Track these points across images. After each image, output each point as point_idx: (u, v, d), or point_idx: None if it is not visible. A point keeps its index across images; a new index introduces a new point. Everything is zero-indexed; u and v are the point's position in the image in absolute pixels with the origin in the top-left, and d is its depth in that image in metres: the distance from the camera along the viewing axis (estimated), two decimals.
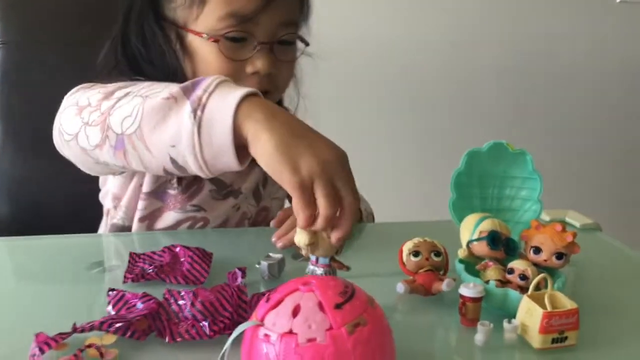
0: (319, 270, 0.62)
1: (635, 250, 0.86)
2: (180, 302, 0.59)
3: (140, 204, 0.88)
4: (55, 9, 1.11)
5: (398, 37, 1.98)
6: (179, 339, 0.55)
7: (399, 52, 1.99)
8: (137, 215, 0.89)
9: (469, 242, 0.69)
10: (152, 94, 0.65)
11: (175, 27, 0.83)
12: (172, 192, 0.88)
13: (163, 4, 0.84)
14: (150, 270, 0.69)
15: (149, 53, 0.84)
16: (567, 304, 0.59)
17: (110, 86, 0.71)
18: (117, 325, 0.54)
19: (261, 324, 0.47)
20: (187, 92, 0.63)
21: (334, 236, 0.59)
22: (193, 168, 0.63)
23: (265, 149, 0.59)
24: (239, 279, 0.66)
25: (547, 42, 2.09)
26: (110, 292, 0.62)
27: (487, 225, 0.68)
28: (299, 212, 0.58)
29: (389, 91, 2.01)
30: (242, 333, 0.48)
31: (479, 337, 0.59)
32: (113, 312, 0.60)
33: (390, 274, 0.70)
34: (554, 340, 0.58)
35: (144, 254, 0.75)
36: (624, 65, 2.15)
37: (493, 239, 0.67)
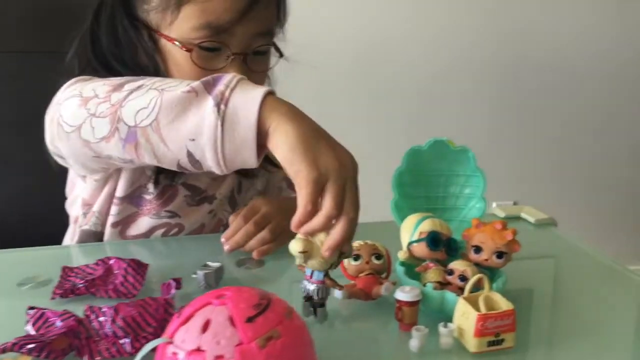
0: (312, 287, 0.60)
1: (590, 246, 0.85)
2: (101, 318, 0.56)
3: (114, 209, 0.86)
4: (15, 17, 1.09)
5: (385, 36, 1.97)
6: (98, 358, 0.53)
7: (384, 52, 1.98)
8: (110, 220, 0.87)
9: (409, 244, 0.67)
10: (168, 87, 0.63)
11: (148, 29, 0.80)
12: (147, 197, 0.86)
13: (136, 5, 0.81)
14: (81, 285, 0.66)
15: (121, 52, 0.81)
16: (504, 305, 0.57)
17: (116, 79, 0.68)
18: (30, 346, 0.52)
19: (170, 341, 0.45)
20: (208, 87, 0.61)
21: (326, 245, 0.57)
22: (210, 162, 0.61)
23: (287, 139, 0.57)
24: (173, 291, 0.64)
25: (512, 36, 2.08)
26: (30, 311, 0.59)
27: (427, 226, 0.66)
28: (303, 206, 0.56)
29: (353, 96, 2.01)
30: (154, 350, 0.46)
31: (414, 342, 0.57)
32: (33, 331, 0.57)
33: (336, 278, 0.67)
34: (490, 343, 0.56)
35: (77, 268, 0.72)
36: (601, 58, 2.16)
37: (433, 239, 0.65)
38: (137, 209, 0.87)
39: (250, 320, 0.44)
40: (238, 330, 0.44)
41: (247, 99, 0.59)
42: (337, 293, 0.63)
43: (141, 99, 0.63)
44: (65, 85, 0.73)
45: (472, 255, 0.65)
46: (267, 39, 0.83)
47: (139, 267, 0.70)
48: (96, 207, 0.87)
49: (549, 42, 2.11)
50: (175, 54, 0.79)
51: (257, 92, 0.60)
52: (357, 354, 0.58)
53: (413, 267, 0.66)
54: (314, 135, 0.58)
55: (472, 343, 0.56)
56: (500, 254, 0.64)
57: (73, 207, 0.92)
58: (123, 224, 0.87)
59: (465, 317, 0.57)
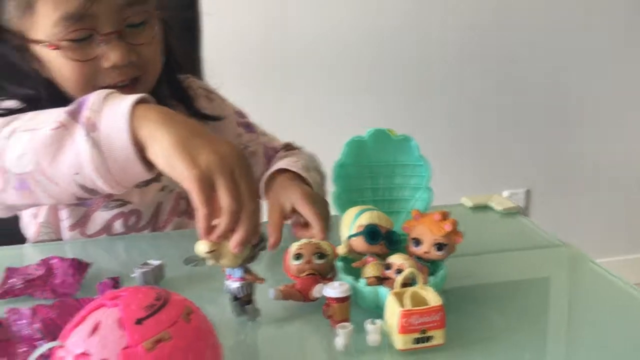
0: (234, 285, 0.58)
1: (565, 237, 0.81)
2: (20, 321, 0.56)
3: (64, 214, 0.85)
4: None
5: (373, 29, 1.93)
6: None
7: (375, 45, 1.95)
8: (65, 225, 0.86)
9: (348, 238, 0.64)
10: (38, 125, 0.62)
11: (18, 38, 0.77)
12: None
13: (1, 19, 0.78)
14: (20, 285, 0.66)
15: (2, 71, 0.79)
16: (432, 300, 0.55)
17: None
18: None
19: (61, 344, 0.44)
20: (74, 116, 0.60)
21: (233, 241, 0.55)
22: (104, 187, 0.61)
23: (162, 147, 0.57)
24: (108, 290, 0.63)
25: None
26: None
27: (364, 219, 0.64)
28: (198, 209, 0.55)
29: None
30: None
31: (339, 340, 0.55)
32: None
33: (280, 279, 0.65)
34: (416, 341, 0.54)
35: (20, 268, 0.71)
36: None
37: (370, 232, 0.63)
38: (86, 207, 0.85)
39: (139, 322, 0.43)
40: (126, 333, 0.42)
41: (115, 117, 0.58)
42: (270, 293, 0.61)
43: (18, 145, 0.62)
44: None
45: (412, 248, 0.63)
46: (135, 7, 0.77)
47: (78, 267, 0.69)
48: (42, 217, 0.85)
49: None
50: (50, 58, 0.76)
51: (123, 106, 0.59)
52: (282, 352, 0.56)
53: (353, 262, 0.64)
54: (188, 134, 0.57)
55: (398, 340, 0.54)
56: (440, 246, 0.61)
57: (29, 227, 0.89)
58: (79, 225, 0.86)
59: (392, 313, 0.55)
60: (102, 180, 0.60)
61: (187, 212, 0.92)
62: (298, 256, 0.63)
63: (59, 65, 0.76)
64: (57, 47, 0.74)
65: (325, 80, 1.92)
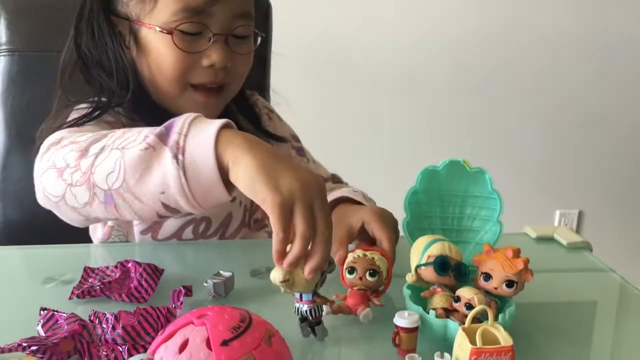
0: (304, 307, 0.60)
1: (621, 273, 0.80)
2: (104, 325, 0.58)
3: None
4: (61, 15, 1.13)
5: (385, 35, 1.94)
6: None
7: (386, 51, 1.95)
8: (136, 229, 0.89)
9: (417, 267, 0.65)
10: (128, 144, 0.65)
11: (129, 22, 0.83)
12: None
13: (115, 0, 0.84)
14: (97, 287, 0.69)
15: (98, 52, 0.84)
16: (503, 340, 0.55)
17: (82, 140, 0.70)
18: (34, 347, 0.54)
19: (150, 357, 0.46)
20: (163, 138, 0.63)
21: (307, 269, 0.57)
22: (186, 208, 0.64)
23: (246, 171, 0.59)
24: (181, 298, 0.66)
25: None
26: (42, 312, 0.62)
27: (435, 249, 0.64)
28: (276, 234, 0.56)
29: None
30: None
31: None
32: (42, 332, 0.60)
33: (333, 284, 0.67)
34: None
35: (98, 269, 0.75)
36: None
37: (441, 263, 0.63)
38: None
39: (225, 343, 0.45)
40: (212, 353, 0.44)
41: (201, 142, 0.60)
42: (324, 310, 0.63)
43: (107, 162, 0.65)
44: (39, 154, 0.74)
45: (482, 282, 0.63)
46: (246, 21, 0.84)
47: (154, 272, 0.72)
48: (111, 221, 0.88)
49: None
50: (157, 44, 0.81)
51: (210, 131, 0.61)
52: None
53: (421, 290, 0.65)
54: (272, 161, 0.58)
55: None
56: (510, 283, 0.61)
57: (95, 231, 0.93)
58: (151, 230, 0.89)
59: (461, 348, 0.55)
60: (184, 200, 0.62)
61: (249, 224, 0.95)
62: (352, 270, 0.66)
63: (164, 52, 0.81)
64: (170, 32, 0.80)
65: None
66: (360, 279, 0.65)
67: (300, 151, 1.03)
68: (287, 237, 0.56)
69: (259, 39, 0.88)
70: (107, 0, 0.84)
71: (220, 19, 0.81)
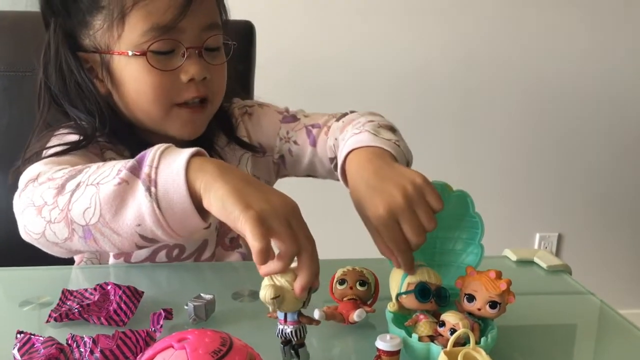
0: (289, 329, 0.59)
1: (606, 296, 0.80)
2: (82, 348, 0.57)
3: None
4: (42, 36, 1.12)
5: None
6: None
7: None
8: (110, 253, 0.87)
9: (398, 295, 0.65)
10: (102, 179, 0.65)
11: (99, 53, 0.83)
12: None
13: (79, 35, 0.83)
14: (76, 310, 0.68)
15: (69, 93, 0.84)
16: None
17: (58, 177, 0.69)
18: None
19: None
20: (135, 172, 0.63)
21: (297, 286, 0.56)
22: (164, 238, 0.64)
23: (217, 195, 0.58)
24: (161, 322, 0.65)
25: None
26: (19, 335, 0.60)
27: (415, 277, 0.65)
28: (254, 246, 0.54)
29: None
30: None
31: None
32: (18, 356, 0.58)
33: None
34: None
35: (76, 291, 0.74)
36: None
37: (421, 291, 0.64)
38: None
39: None
40: None
41: (172, 172, 0.61)
42: (315, 313, 0.64)
43: (83, 199, 0.65)
44: (18, 191, 0.73)
45: (465, 304, 0.63)
46: (215, 31, 0.85)
47: (133, 295, 0.71)
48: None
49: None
50: (132, 70, 0.81)
51: (180, 161, 0.61)
52: None
53: (404, 318, 0.65)
54: (244, 185, 0.58)
55: None
56: (493, 304, 0.62)
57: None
58: (124, 254, 0.88)
59: None
60: (161, 230, 0.62)
61: (224, 243, 0.94)
62: (342, 281, 0.69)
63: (141, 76, 0.81)
64: (144, 53, 0.79)
65: None
66: (351, 288, 0.68)
67: (293, 118, 0.98)
68: (268, 245, 0.54)
69: (232, 49, 0.88)
70: (72, 37, 0.83)
71: (191, 33, 0.81)
